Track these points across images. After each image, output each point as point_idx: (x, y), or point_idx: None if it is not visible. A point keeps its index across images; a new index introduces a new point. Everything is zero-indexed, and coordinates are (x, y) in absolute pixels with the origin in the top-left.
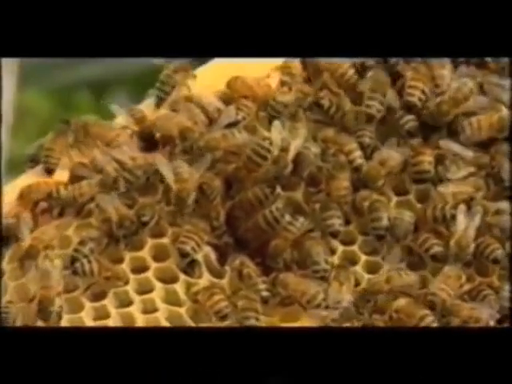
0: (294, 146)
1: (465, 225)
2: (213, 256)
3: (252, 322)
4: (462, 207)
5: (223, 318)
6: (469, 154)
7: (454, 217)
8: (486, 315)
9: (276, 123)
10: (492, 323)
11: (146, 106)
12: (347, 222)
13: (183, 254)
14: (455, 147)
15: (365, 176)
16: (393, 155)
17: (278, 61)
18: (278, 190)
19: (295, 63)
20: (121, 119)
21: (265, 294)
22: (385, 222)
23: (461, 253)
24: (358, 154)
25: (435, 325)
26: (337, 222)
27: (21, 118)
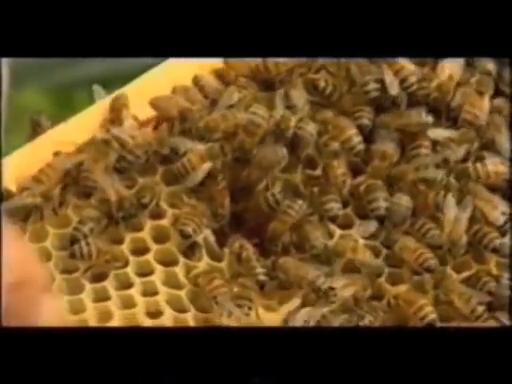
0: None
1: (454, 216)
2: (212, 238)
3: (245, 311)
4: (451, 199)
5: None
6: (454, 133)
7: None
8: (473, 304)
9: (280, 91)
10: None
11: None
12: (345, 206)
13: (185, 236)
14: (441, 132)
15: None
16: (389, 145)
17: None
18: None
19: None
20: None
21: (262, 278)
22: (382, 203)
23: (454, 248)
24: (357, 139)
25: (434, 315)
26: (335, 206)
27: (17, 116)
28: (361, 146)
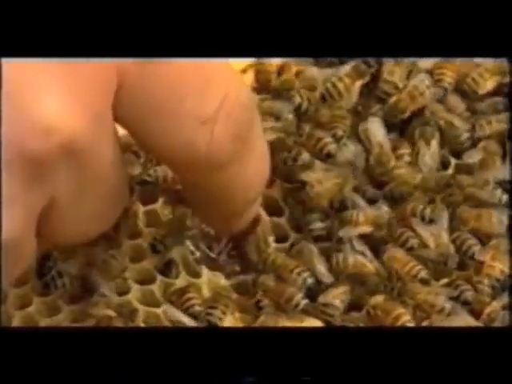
0: None
1: (430, 233)
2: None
3: (215, 320)
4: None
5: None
6: None
7: (432, 221)
8: (441, 302)
9: None
10: (448, 308)
11: None
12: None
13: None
14: None
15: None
16: None
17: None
18: None
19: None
20: None
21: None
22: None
23: (448, 261)
24: (328, 140)
25: (411, 324)
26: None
27: None
28: (333, 146)
